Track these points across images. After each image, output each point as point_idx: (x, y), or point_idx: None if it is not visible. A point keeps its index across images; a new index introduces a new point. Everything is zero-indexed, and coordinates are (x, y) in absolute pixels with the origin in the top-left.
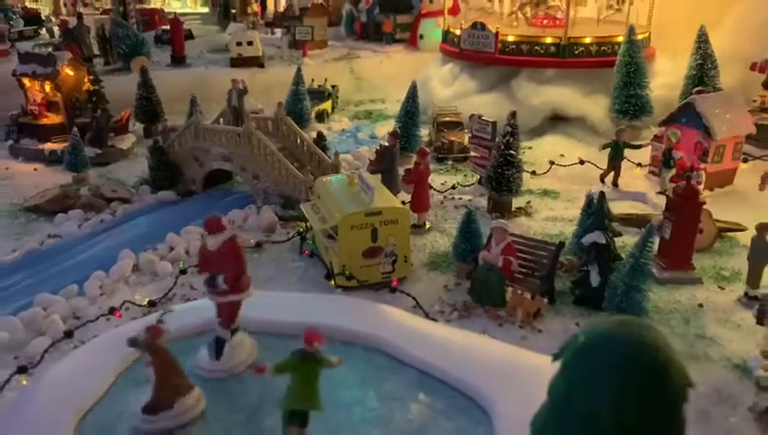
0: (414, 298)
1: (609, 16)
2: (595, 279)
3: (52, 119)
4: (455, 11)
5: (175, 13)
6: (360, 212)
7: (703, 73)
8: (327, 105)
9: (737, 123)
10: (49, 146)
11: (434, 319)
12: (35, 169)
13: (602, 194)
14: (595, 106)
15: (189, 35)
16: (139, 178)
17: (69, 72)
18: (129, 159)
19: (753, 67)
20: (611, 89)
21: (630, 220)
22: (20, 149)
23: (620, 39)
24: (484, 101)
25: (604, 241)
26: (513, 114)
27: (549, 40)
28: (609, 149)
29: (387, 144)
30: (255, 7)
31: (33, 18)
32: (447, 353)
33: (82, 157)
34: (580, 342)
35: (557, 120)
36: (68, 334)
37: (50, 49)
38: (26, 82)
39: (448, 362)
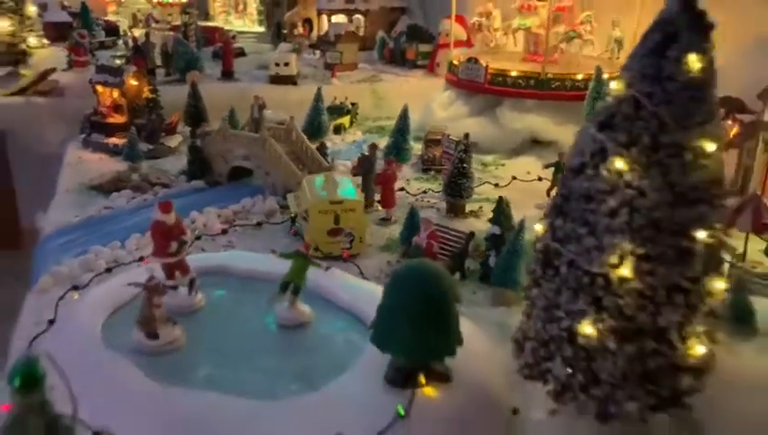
0: (357, 266)
1: (601, 54)
2: (492, 261)
3: (117, 119)
4: (469, 44)
5: (228, 32)
6: (326, 200)
7: None
8: (345, 120)
9: None
10: (113, 140)
11: (367, 279)
12: (100, 159)
13: (500, 199)
14: (567, 133)
15: (242, 53)
16: (179, 169)
17: (133, 82)
18: (175, 154)
19: None
20: (581, 119)
21: None
22: (91, 142)
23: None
24: (474, 123)
25: (499, 232)
26: (467, 135)
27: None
28: (552, 168)
29: (367, 153)
30: (302, 29)
31: (112, 30)
32: (359, 295)
33: (137, 150)
34: (394, 272)
35: (534, 143)
36: (108, 270)
37: (122, 61)
38: (99, 88)
39: (357, 299)
